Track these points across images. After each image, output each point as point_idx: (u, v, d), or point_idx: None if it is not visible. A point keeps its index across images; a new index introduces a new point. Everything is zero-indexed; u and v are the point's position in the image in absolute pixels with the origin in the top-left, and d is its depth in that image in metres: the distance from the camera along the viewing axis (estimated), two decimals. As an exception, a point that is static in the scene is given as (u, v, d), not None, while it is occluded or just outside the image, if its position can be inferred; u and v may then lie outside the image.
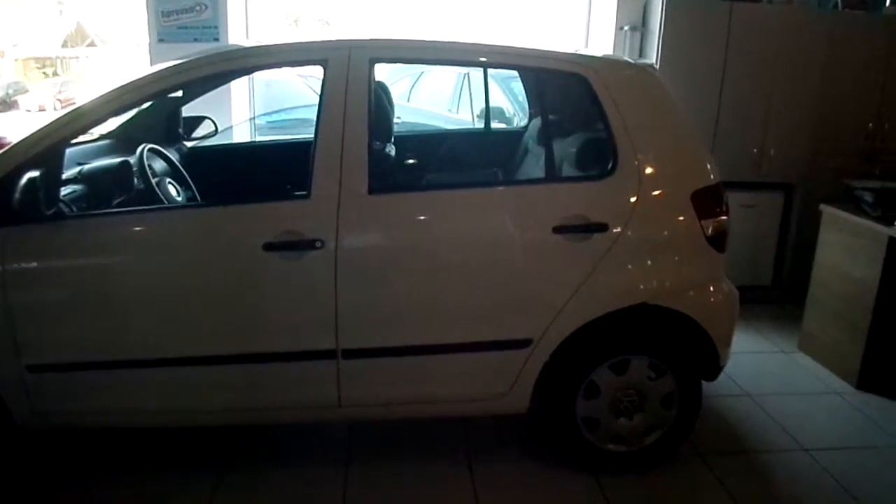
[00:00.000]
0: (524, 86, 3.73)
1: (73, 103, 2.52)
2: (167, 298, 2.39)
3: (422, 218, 2.45)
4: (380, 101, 2.75)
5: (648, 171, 2.48)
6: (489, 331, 2.47)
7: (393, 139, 2.98)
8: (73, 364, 2.43)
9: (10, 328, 2.35)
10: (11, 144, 2.38)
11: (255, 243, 2.32)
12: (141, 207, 2.46)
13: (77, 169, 2.71)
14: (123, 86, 2.41)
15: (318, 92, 2.44)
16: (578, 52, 2.81)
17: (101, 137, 3.57)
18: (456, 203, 2.50)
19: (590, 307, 2.47)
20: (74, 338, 2.41)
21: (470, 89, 6.31)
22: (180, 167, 3.13)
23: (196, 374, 2.45)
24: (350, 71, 2.39)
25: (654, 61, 4.36)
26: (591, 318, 2.47)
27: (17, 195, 2.15)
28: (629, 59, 3.03)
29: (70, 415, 2.53)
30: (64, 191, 2.54)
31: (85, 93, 3.39)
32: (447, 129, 5.66)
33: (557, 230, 2.40)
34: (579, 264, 2.44)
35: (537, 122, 3.27)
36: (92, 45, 31.80)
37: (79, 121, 2.36)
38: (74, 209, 2.48)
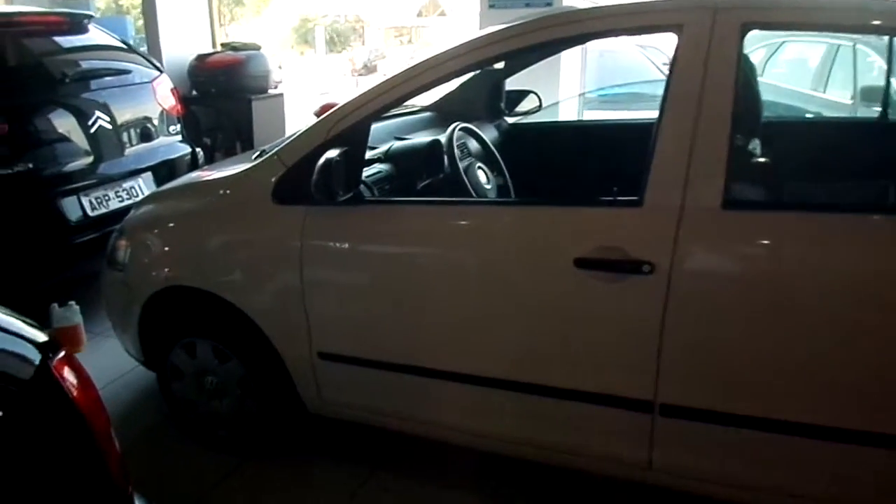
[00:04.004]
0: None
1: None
2: (460, 305, 2.06)
3: (796, 250, 1.75)
4: (748, 81, 2.08)
5: None
6: (872, 419, 1.72)
7: (760, 133, 2.26)
8: (359, 359, 2.25)
9: (303, 309, 2.23)
10: (316, 122, 2.21)
11: (565, 256, 1.86)
12: (441, 199, 2.14)
13: (385, 147, 2.51)
14: (436, 56, 2.09)
15: (665, 65, 1.87)
16: None
17: (423, 109, 3.42)
18: (848, 233, 1.74)
19: None
20: (361, 331, 2.23)
21: (855, 62, 5.08)
22: (494, 150, 2.78)
23: (483, 395, 2.10)
24: (713, 40, 1.78)
25: None
26: None
27: (314, 177, 1.96)
28: None
29: (353, 408, 2.38)
30: (368, 171, 2.34)
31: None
32: (823, 118, 4.59)
33: None
34: None
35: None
36: (442, 14, 34.21)
37: (389, 94, 2.10)
38: (376, 192, 2.26)
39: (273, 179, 2.24)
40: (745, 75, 2.02)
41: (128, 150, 3.96)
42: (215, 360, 2.49)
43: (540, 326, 1.97)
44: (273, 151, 2.33)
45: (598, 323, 1.90)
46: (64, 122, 3.61)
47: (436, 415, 2.24)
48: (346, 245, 2.17)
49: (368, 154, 2.55)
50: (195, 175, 3.02)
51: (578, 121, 4.16)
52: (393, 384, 2.23)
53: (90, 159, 3.71)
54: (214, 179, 2.61)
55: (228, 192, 2.42)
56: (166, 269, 2.50)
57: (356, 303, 2.20)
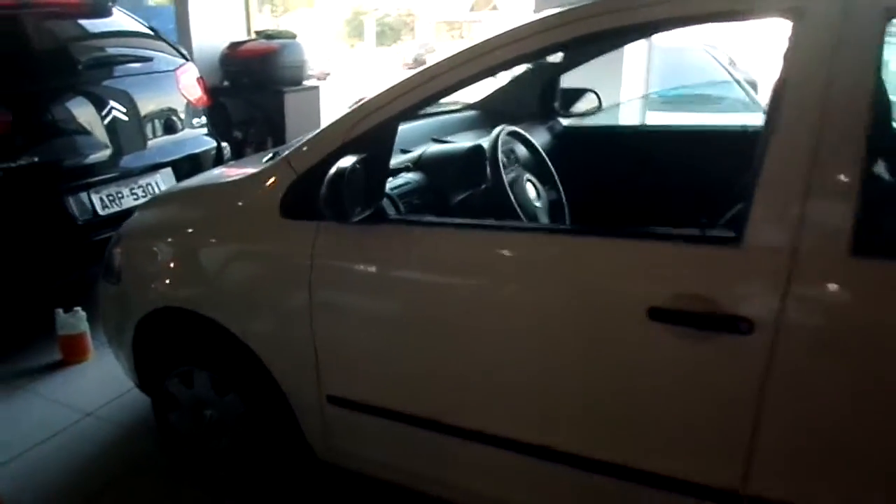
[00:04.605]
0: None
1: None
2: (497, 352, 1.66)
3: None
4: (882, 83, 1.62)
5: None
6: None
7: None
8: (376, 408, 1.87)
9: (312, 344, 1.87)
10: (334, 120, 1.84)
11: (635, 304, 1.44)
12: (478, 222, 1.71)
13: (417, 152, 2.12)
14: (478, 46, 1.68)
15: (731, 66, 1.43)
16: None
17: (466, 108, 3.03)
18: None
19: None
20: (379, 376, 1.85)
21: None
22: (546, 159, 2.35)
23: (528, 464, 1.70)
24: (843, 28, 1.35)
25: None
26: None
27: (323, 190, 1.58)
28: None
29: (368, 462, 2.02)
30: (395, 181, 1.96)
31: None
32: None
33: None
34: None
35: None
36: (494, 9, 33.74)
37: (420, 90, 1.71)
38: (401, 207, 1.87)
39: (281, 189, 1.88)
40: (880, 77, 1.56)
41: (145, 144, 3.65)
42: (213, 392, 2.16)
43: (600, 388, 1.56)
44: (283, 155, 1.97)
45: (674, 390, 1.48)
46: (75, 113, 3.32)
47: (466, 480, 1.85)
48: (364, 272, 1.79)
49: (398, 159, 2.18)
50: (217, 172, 2.66)
51: (646, 126, 3.64)
52: (416, 441, 1.85)
53: (103, 153, 3.41)
54: (219, 184, 2.27)
55: (230, 200, 2.07)
56: (160, 287, 2.17)
57: (374, 342, 1.82)
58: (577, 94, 3.04)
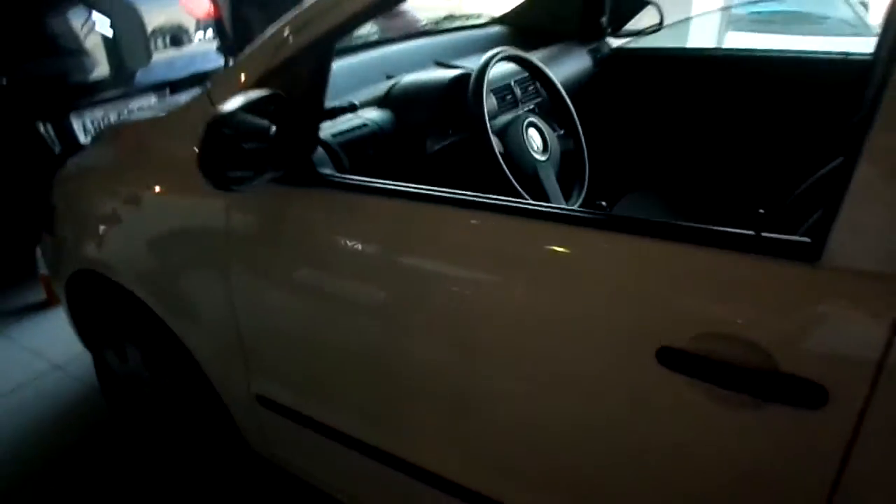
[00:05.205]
0: None
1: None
2: (457, 371, 1.17)
3: None
4: None
5: None
6: None
7: None
8: (311, 420, 1.45)
9: (236, 329, 1.45)
10: (263, 37, 1.35)
11: (638, 340, 0.93)
12: (427, 190, 1.14)
13: (388, 83, 1.60)
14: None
15: None
16: None
17: (491, 22, 2.47)
18: None
19: None
20: (312, 382, 1.42)
21: None
22: (562, 93, 1.73)
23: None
24: None
25: None
26: None
27: (199, 146, 1.11)
28: None
29: (308, 474, 1.63)
30: (343, 125, 1.46)
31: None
32: None
33: None
34: None
35: None
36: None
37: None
38: (345, 161, 1.37)
39: (199, 132, 1.41)
40: None
41: (140, 61, 3.24)
42: (146, 372, 1.78)
43: (578, 442, 1.07)
44: (206, 85, 1.50)
45: (686, 475, 0.97)
46: (48, 23, 2.90)
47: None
48: (289, 248, 1.32)
49: (372, 90, 1.67)
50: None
51: (721, 49, 2.76)
52: (358, 467, 1.42)
53: (87, 71, 3.01)
54: (156, 118, 1.82)
55: (155, 141, 1.62)
56: (81, 245, 1.78)
57: (304, 339, 1.38)
58: (633, 6, 2.40)
